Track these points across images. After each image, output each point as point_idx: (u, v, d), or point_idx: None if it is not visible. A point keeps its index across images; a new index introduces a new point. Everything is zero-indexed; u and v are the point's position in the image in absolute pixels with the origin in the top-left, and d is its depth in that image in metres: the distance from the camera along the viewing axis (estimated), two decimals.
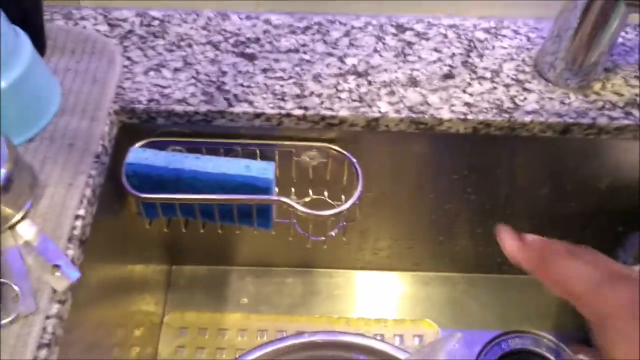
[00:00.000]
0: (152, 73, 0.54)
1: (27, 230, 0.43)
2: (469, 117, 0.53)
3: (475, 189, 0.64)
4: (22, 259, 0.41)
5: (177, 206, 0.54)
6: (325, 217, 0.53)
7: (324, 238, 0.59)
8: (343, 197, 0.59)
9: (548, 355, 0.73)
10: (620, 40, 0.58)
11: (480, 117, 0.53)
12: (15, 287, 0.40)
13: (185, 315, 0.75)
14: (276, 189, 0.55)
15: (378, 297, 0.78)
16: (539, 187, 0.63)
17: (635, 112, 0.53)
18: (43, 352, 0.39)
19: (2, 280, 0.40)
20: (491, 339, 0.75)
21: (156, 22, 0.58)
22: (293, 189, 0.59)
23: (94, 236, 0.48)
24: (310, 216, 0.53)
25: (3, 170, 0.42)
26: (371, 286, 0.79)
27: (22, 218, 0.43)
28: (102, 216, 0.50)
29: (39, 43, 0.51)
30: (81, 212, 0.45)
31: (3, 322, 0.38)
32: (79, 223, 0.44)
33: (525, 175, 0.62)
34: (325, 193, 0.60)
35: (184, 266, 0.79)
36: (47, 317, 0.40)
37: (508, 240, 0.38)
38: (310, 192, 0.59)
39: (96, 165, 0.48)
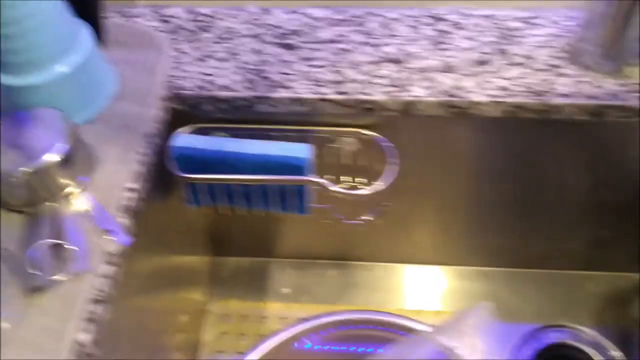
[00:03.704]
0: (199, 63, 0.58)
1: (84, 201, 0.47)
2: (503, 99, 0.54)
3: (514, 179, 0.65)
4: (79, 225, 0.45)
5: (219, 189, 0.57)
6: (356, 196, 0.55)
7: (357, 222, 0.61)
8: (379, 183, 0.60)
9: (587, 349, 0.72)
10: None
11: (514, 99, 0.54)
12: (71, 248, 0.43)
13: (228, 303, 0.78)
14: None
15: (417, 290, 0.79)
16: (580, 176, 0.63)
17: None
18: (95, 308, 0.42)
19: (59, 241, 0.43)
20: (530, 332, 0.74)
21: (204, 18, 0.62)
22: (330, 176, 0.61)
23: (146, 217, 0.51)
24: (343, 196, 0.55)
25: (62, 145, 0.46)
26: (410, 279, 0.80)
27: (80, 190, 0.47)
28: (153, 199, 0.54)
29: (100, 37, 0.56)
30: (133, 185, 0.48)
31: (60, 278, 0.42)
32: (130, 195, 0.48)
33: (566, 164, 0.62)
34: (361, 179, 0.62)
35: (227, 257, 0.82)
36: (99, 276, 0.43)
37: None
38: (346, 178, 0.61)
39: (148, 144, 0.52)
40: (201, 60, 0.58)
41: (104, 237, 0.44)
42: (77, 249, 0.43)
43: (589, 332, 0.73)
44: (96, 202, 0.46)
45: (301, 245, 0.80)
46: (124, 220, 0.47)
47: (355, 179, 0.60)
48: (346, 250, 0.80)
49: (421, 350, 0.50)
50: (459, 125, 0.58)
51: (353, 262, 0.81)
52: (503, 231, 0.72)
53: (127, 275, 0.48)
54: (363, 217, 0.61)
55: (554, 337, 0.74)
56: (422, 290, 0.79)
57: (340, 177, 0.61)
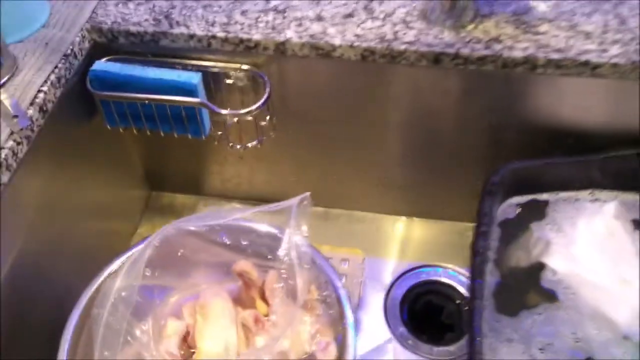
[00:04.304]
0: (120, 5, 0.71)
1: (3, 96, 0.59)
2: (356, 44, 0.65)
3: (390, 125, 0.76)
4: None
5: (128, 109, 0.70)
6: (233, 115, 0.67)
7: (240, 146, 0.73)
8: (268, 117, 0.72)
9: (456, 285, 0.82)
10: None
11: (366, 44, 0.65)
12: None
13: (155, 228, 0.90)
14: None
15: (321, 231, 0.89)
16: (443, 124, 0.74)
17: (496, 46, 0.64)
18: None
19: None
20: (409, 269, 0.85)
21: None
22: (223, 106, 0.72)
23: (64, 127, 0.64)
24: (228, 117, 0.67)
25: None
26: (318, 220, 0.90)
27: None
28: (69, 112, 0.67)
29: None
30: (44, 88, 0.61)
31: None
32: (41, 95, 0.61)
33: (420, 110, 0.73)
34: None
35: (163, 192, 0.95)
36: (4, 148, 0.56)
37: None
38: (236, 107, 0.72)
39: (65, 62, 0.65)
40: (123, 3, 0.71)
41: (11, 120, 0.57)
42: None
43: (460, 271, 0.84)
44: (13, 98, 0.59)
45: (229, 185, 0.92)
46: (31, 112, 0.59)
47: (243, 109, 0.72)
48: (266, 192, 0.91)
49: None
50: (327, 67, 0.69)
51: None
52: (387, 175, 0.83)
53: (36, 162, 0.61)
54: (249, 143, 0.72)
55: (430, 274, 0.84)
56: (322, 231, 0.89)
57: (231, 107, 0.73)
